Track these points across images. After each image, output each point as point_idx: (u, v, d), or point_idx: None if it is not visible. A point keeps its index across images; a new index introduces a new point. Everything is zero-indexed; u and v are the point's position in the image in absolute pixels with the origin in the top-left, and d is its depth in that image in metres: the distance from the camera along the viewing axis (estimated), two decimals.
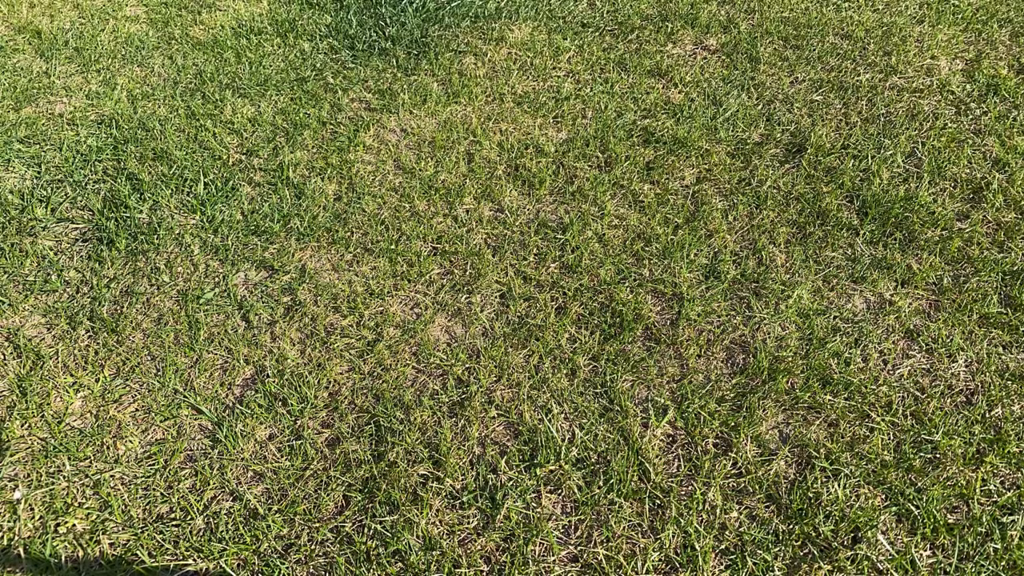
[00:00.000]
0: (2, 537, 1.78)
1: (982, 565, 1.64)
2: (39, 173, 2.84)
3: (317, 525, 1.78)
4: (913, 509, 1.73)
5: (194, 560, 1.73)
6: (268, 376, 2.10)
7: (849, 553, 1.67)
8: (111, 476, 1.89)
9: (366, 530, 1.77)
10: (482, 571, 1.69)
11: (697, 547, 1.69)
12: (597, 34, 3.55)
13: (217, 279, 2.40)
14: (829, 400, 1.96)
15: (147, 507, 1.83)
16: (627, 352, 2.12)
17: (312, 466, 1.90)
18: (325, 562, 1.72)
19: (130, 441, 1.97)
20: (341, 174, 2.79)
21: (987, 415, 1.92)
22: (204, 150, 2.94)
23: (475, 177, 2.75)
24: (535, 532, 1.74)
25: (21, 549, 1.75)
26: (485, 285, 2.34)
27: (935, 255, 2.34)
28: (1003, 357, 2.06)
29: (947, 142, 2.80)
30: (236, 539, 1.76)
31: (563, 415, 1.98)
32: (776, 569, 1.66)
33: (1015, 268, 2.29)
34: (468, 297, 2.30)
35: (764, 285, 2.28)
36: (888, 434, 1.89)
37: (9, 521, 1.81)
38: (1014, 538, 1.67)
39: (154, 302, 2.33)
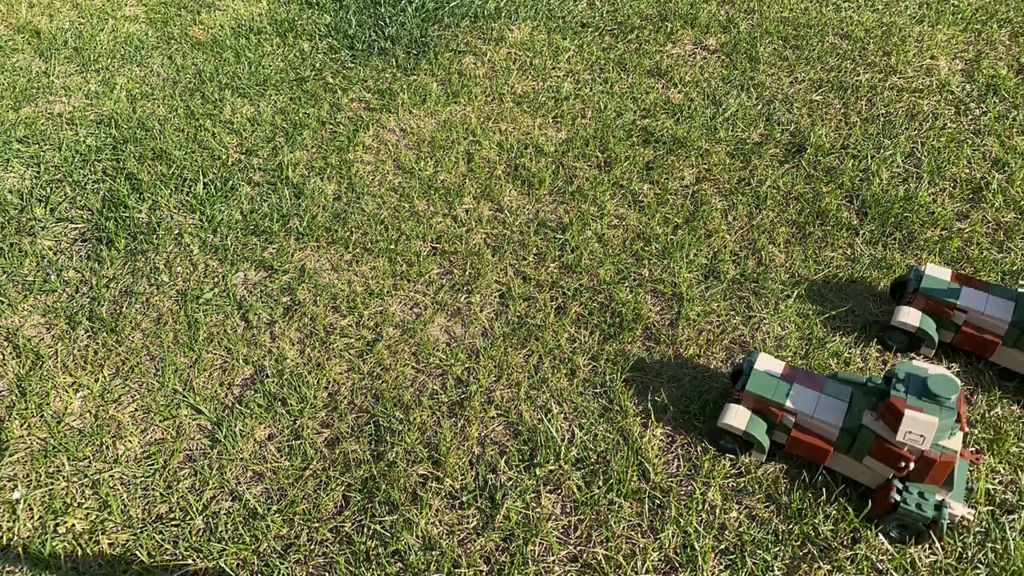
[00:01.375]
0: (1, 537, 1.78)
1: (982, 565, 1.64)
2: (38, 173, 2.84)
3: (316, 525, 1.78)
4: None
5: (193, 560, 1.73)
6: (267, 376, 2.10)
7: (849, 553, 1.67)
8: (110, 476, 1.89)
9: (366, 530, 1.77)
10: (482, 571, 1.69)
11: (697, 547, 1.69)
12: (597, 34, 3.55)
13: (216, 279, 2.40)
14: None
15: (146, 507, 1.83)
16: (627, 352, 2.12)
17: (311, 466, 1.90)
18: (325, 562, 1.72)
19: (129, 441, 1.97)
20: (340, 174, 2.79)
21: (987, 415, 1.92)
22: (203, 150, 2.94)
23: (474, 177, 2.75)
24: (535, 532, 1.74)
25: (20, 549, 1.75)
26: (485, 285, 2.34)
27: (935, 255, 2.34)
28: None
29: (947, 142, 2.80)
30: (235, 539, 1.76)
31: (563, 415, 1.98)
32: (776, 569, 1.66)
33: (1015, 268, 2.29)
34: (468, 297, 2.30)
35: (764, 285, 2.28)
36: None
37: (8, 521, 1.81)
38: (1014, 538, 1.67)
39: (153, 302, 2.33)
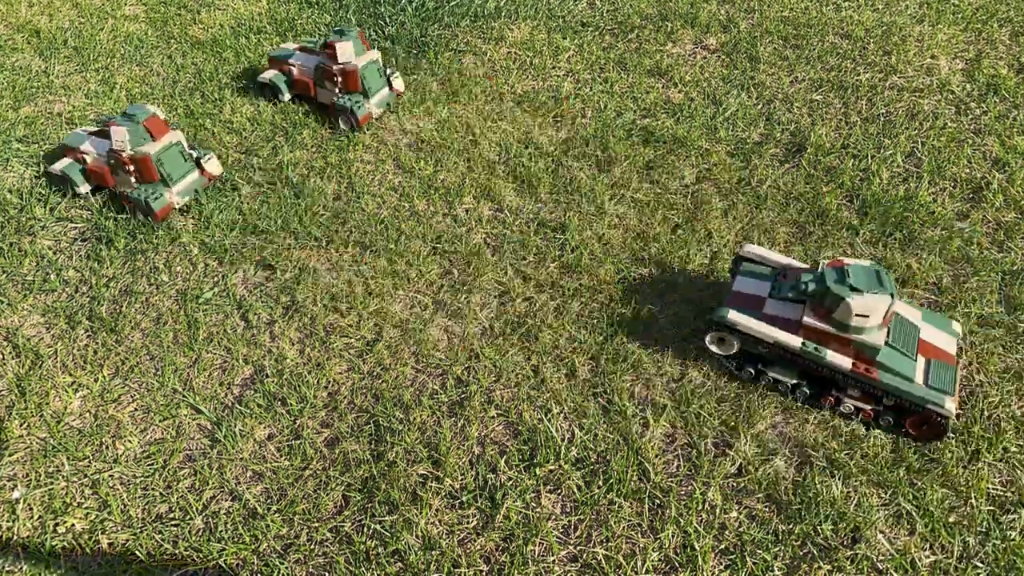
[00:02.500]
0: (1, 537, 1.78)
1: (982, 565, 1.64)
2: (38, 172, 2.84)
3: (316, 525, 1.78)
4: (912, 509, 1.73)
5: (193, 560, 1.73)
6: (267, 376, 2.10)
7: (849, 553, 1.67)
8: (110, 476, 1.89)
9: (365, 530, 1.76)
10: (482, 571, 1.69)
11: (697, 547, 1.69)
12: (597, 33, 3.55)
13: (216, 278, 2.40)
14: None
15: (146, 507, 1.82)
16: (627, 352, 2.12)
17: (311, 466, 1.90)
18: (324, 562, 1.72)
19: (129, 441, 1.97)
20: (340, 173, 2.79)
21: (987, 415, 1.92)
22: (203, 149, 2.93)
23: (474, 176, 2.75)
24: (535, 532, 1.74)
25: (20, 548, 1.75)
26: (484, 285, 2.33)
27: (935, 255, 2.34)
28: (1003, 357, 2.05)
29: (947, 142, 2.79)
30: (235, 539, 1.76)
31: (562, 415, 1.97)
32: (776, 569, 1.66)
33: (1015, 268, 2.29)
34: (467, 297, 2.30)
35: None
36: (887, 434, 1.89)
37: (8, 521, 1.81)
38: (1014, 538, 1.67)
39: (153, 301, 2.33)
